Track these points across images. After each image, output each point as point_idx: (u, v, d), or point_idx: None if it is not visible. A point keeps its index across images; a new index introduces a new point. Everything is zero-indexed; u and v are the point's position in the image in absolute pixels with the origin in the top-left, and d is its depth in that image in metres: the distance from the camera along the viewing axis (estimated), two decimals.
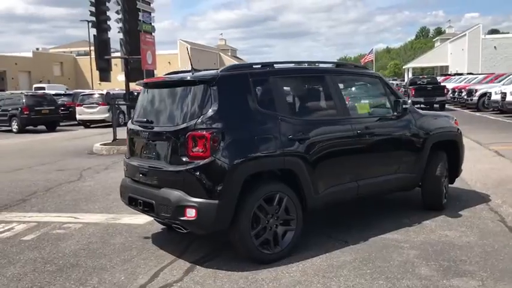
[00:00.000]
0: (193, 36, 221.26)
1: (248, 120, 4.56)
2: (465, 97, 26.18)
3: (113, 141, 13.85)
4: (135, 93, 16.95)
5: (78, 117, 23.33)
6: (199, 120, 4.36)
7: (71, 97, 26.25)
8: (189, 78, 4.68)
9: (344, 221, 5.82)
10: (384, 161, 5.60)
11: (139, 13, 13.31)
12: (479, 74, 34.29)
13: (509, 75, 24.89)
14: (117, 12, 13.52)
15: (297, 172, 4.68)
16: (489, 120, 19.65)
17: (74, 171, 10.22)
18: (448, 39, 64.95)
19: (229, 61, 62.18)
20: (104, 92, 23.99)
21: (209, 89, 4.45)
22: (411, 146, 5.81)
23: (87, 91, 27.41)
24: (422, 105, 26.00)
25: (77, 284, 4.24)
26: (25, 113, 21.04)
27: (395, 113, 5.68)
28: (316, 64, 5.86)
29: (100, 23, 13.60)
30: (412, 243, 4.96)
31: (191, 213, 4.29)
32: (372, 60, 70.84)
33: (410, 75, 55.87)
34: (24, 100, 21.34)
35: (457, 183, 7.55)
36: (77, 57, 62.92)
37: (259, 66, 5.01)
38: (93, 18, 13.61)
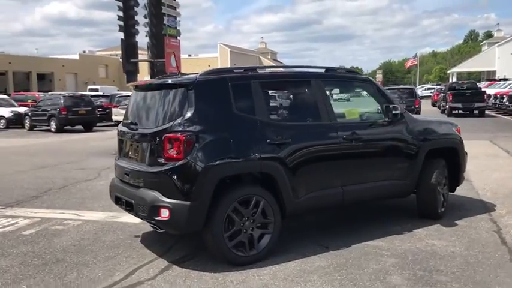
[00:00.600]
0: (237, 40, 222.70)
1: (225, 123, 4.61)
2: (506, 103, 25.20)
3: None
4: None
5: (114, 118, 23.96)
6: (176, 123, 4.47)
7: (109, 98, 27.08)
8: (170, 81, 4.81)
9: (333, 227, 5.79)
10: (373, 167, 5.52)
11: (164, 17, 13.63)
12: None
13: None
14: (144, 17, 13.89)
15: (275, 176, 4.70)
16: None
17: (94, 170, 10.57)
18: (496, 42, 62.28)
19: (269, 64, 62.28)
20: None
21: (187, 93, 4.55)
22: (403, 153, 5.69)
23: (123, 93, 28.16)
24: (460, 111, 25.23)
25: (55, 278, 4.43)
26: (63, 113, 21.90)
27: (387, 119, 5.59)
28: (306, 69, 5.85)
29: (128, 27, 13.95)
30: (394, 251, 4.87)
31: (165, 214, 4.39)
32: (416, 65, 69.41)
33: (455, 80, 54.08)
34: (62, 101, 22.25)
35: (466, 192, 7.35)
36: (121, 59, 64.54)
37: (242, 70, 5.07)
38: (121, 23, 14.01)
